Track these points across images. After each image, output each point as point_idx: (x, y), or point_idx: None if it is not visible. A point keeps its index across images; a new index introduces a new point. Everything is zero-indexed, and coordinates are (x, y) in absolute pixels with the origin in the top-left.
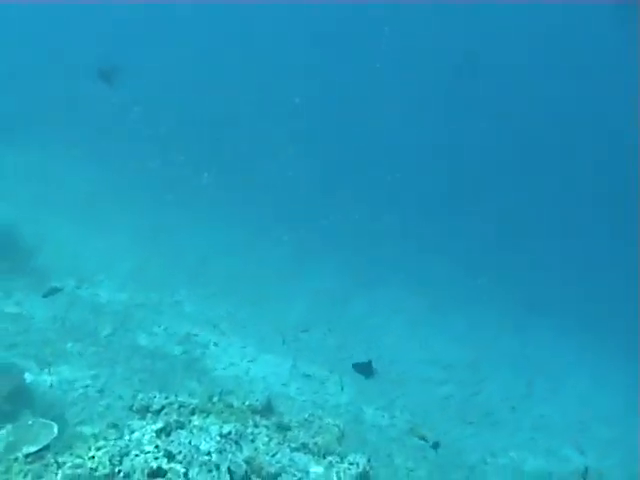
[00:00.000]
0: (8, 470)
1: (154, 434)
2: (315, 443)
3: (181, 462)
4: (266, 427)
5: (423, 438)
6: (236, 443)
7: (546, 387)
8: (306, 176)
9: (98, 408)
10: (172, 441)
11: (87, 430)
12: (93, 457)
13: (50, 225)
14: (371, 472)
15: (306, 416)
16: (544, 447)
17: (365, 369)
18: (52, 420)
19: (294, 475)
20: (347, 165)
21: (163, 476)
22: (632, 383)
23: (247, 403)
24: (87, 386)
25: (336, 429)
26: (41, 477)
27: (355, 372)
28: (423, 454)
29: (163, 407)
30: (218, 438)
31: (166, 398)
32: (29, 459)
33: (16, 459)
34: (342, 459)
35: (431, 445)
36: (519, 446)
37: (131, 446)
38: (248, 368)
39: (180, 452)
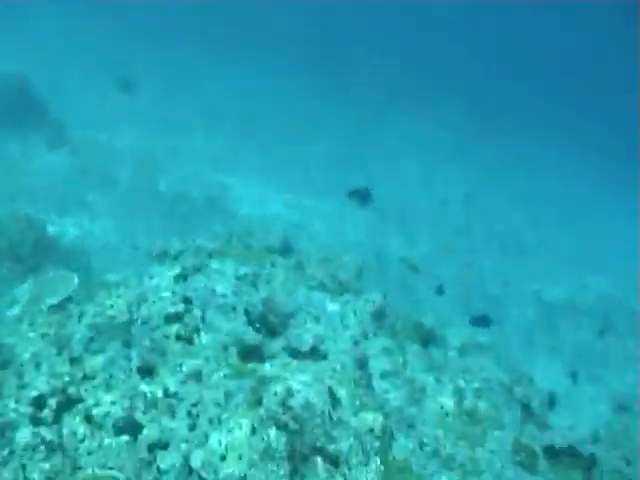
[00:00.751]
0: (33, 322)
1: (172, 280)
2: (333, 281)
3: (198, 306)
4: (284, 267)
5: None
6: (252, 284)
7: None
8: None
9: (122, 256)
10: (189, 286)
11: (112, 279)
12: (112, 305)
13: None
14: (387, 308)
15: (325, 254)
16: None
17: (361, 196)
18: (77, 270)
19: (310, 313)
20: None
21: (180, 320)
22: None
23: (266, 243)
24: (110, 235)
25: (354, 266)
26: (64, 326)
27: (350, 199)
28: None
29: (181, 252)
30: (234, 280)
31: (183, 243)
32: (52, 310)
33: (40, 311)
34: (358, 296)
35: (435, 291)
36: (539, 277)
37: (149, 293)
38: (269, 209)
39: (197, 296)
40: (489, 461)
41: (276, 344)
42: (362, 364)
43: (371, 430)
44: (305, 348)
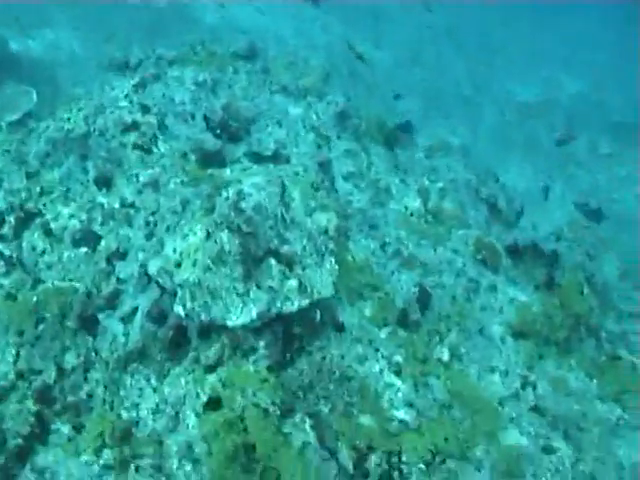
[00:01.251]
0: None
1: (131, 89)
2: (297, 85)
3: (156, 114)
4: (247, 73)
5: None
6: (212, 91)
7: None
8: None
9: (88, 70)
10: (147, 94)
11: (78, 92)
12: (69, 119)
13: None
14: (351, 110)
15: (291, 59)
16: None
17: None
18: (41, 86)
19: (272, 118)
20: None
21: (137, 129)
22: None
23: (232, 49)
24: (74, 47)
25: (321, 70)
26: (25, 144)
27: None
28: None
29: (141, 61)
30: (193, 87)
31: (144, 52)
32: (12, 127)
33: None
34: (321, 99)
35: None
36: (513, 78)
37: (107, 103)
38: (239, 16)
39: (155, 104)
40: (450, 260)
41: (238, 150)
42: (325, 167)
43: (325, 231)
44: (267, 152)
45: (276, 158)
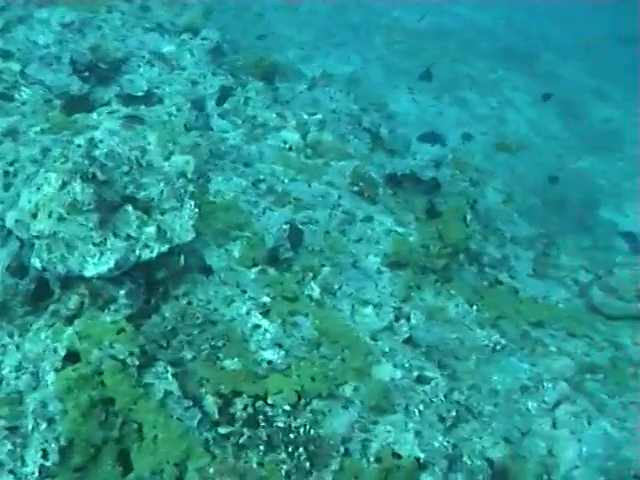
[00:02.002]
0: None
1: None
2: (173, 22)
3: (19, 59)
4: (123, 12)
5: None
6: (79, 31)
7: None
8: None
9: None
10: (8, 39)
11: None
12: None
13: None
14: (226, 46)
15: None
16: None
17: None
18: None
19: (144, 57)
20: None
21: None
22: None
23: None
24: None
25: (202, 6)
26: None
27: None
28: None
29: (7, 4)
30: (59, 29)
31: None
32: None
33: None
34: (196, 35)
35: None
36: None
37: None
38: None
39: (18, 49)
40: (325, 194)
41: (107, 92)
42: (199, 105)
43: (183, 174)
44: (139, 93)
45: (148, 99)
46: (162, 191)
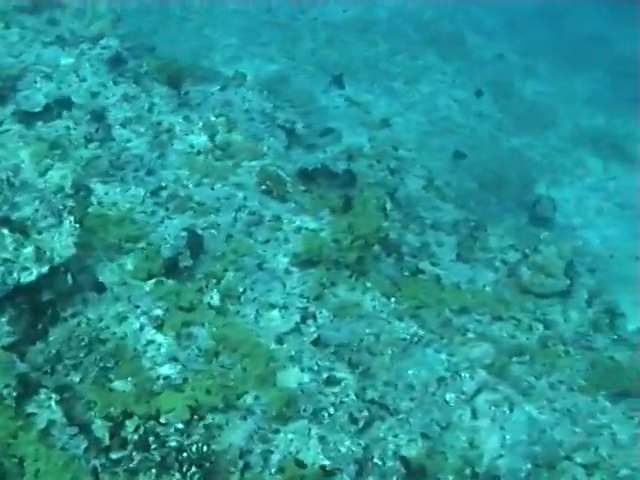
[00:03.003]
0: None
1: None
2: (77, 33)
3: None
4: (23, 27)
5: None
6: None
7: None
8: None
9: None
10: None
11: None
12: None
13: None
14: (128, 53)
15: (80, 5)
16: None
17: None
18: None
19: (41, 72)
20: None
21: None
22: None
23: (13, 3)
24: None
25: (111, 14)
26: None
27: None
28: None
29: None
30: None
31: None
32: None
33: None
34: (95, 45)
35: None
36: None
37: None
38: None
39: None
40: (230, 195)
41: (4, 111)
42: (99, 116)
43: (61, 189)
44: (37, 109)
45: (47, 114)
46: (37, 209)
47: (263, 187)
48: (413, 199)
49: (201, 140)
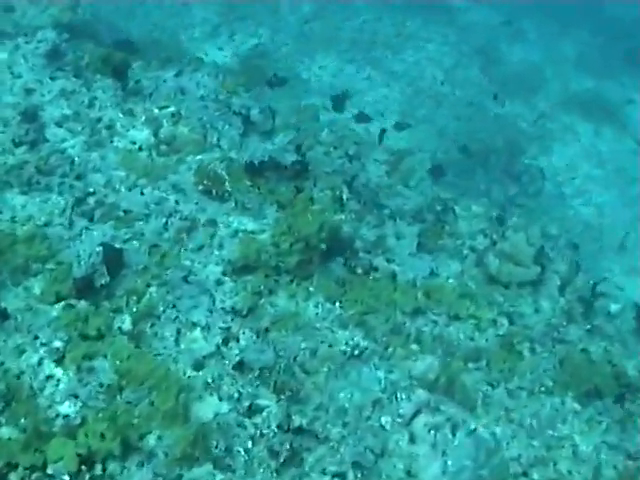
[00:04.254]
0: None
1: None
2: (20, 24)
3: None
4: None
5: None
6: None
7: None
8: None
9: None
10: None
11: None
12: None
13: None
14: (65, 45)
15: None
16: None
17: None
18: None
19: None
20: None
21: None
22: None
23: None
24: None
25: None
26: None
27: None
28: None
29: None
30: None
31: None
32: None
33: None
34: (32, 38)
35: None
36: None
37: None
38: None
39: None
40: (161, 199)
41: None
42: (30, 116)
43: None
44: None
45: None
46: None
47: (200, 187)
48: (373, 186)
49: (143, 135)
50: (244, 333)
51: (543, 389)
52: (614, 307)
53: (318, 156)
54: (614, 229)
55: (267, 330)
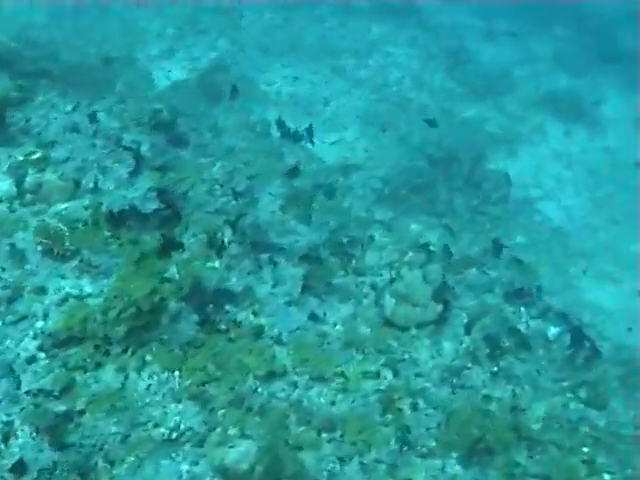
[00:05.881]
0: None
1: None
2: None
3: None
4: None
5: None
6: None
7: None
8: None
9: None
10: None
11: None
12: None
13: None
14: None
15: None
16: None
17: None
18: None
19: None
20: None
21: None
22: None
23: None
24: None
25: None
26: None
27: None
28: None
29: None
30: None
31: None
32: None
33: None
34: None
35: None
36: None
37: None
38: None
39: None
40: None
41: None
42: None
43: None
44: None
45: None
46: None
47: (40, 247)
48: (263, 224)
49: (3, 186)
50: (24, 430)
51: (424, 450)
52: (553, 331)
53: (198, 196)
54: (583, 233)
55: (81, 412)
